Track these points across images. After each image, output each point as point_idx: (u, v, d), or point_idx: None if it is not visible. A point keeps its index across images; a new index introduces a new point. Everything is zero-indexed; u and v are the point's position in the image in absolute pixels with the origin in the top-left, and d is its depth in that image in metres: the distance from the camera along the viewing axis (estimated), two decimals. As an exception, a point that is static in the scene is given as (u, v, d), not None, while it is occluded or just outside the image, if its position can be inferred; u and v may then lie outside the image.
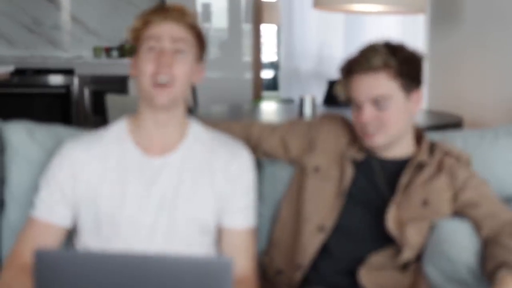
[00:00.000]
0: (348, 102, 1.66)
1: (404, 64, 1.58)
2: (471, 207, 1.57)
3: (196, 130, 1.60)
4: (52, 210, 1.53)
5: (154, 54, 1.49)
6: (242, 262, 1.54)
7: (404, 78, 1.58)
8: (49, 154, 1.70)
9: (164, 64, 1.48)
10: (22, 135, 1.77)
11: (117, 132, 1.58)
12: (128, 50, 1.61)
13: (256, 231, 1.61)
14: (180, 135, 1.58)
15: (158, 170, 1.53)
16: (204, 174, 1.55)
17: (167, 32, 1.50)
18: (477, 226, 1.56)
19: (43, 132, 1.78)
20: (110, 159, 1.54)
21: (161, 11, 1.53)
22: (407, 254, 1.56)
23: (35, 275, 1.03)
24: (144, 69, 1.50)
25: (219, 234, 1.58)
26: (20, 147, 1.76)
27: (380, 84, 1.57)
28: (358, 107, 1.60)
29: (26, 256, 1.48)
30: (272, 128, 1.78)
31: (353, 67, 1.60)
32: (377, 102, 1.57)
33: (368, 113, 1.58)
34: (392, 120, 1.58)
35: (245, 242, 1.57)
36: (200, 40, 1.56)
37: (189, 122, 1.61)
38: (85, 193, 1.53)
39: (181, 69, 1.50)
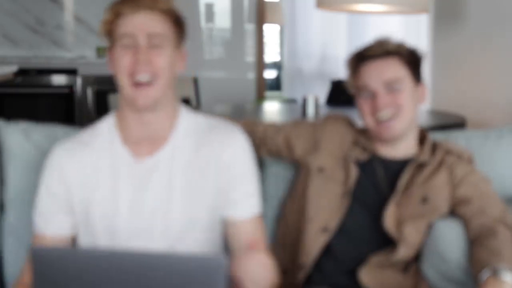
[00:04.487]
0: (356, 94, 1.66)
1: (412, 55, 1.64)
2: (463, 204, 1.57)
3: (186, 121, 1.51)
4: (50, 222, 1.48)
5: (129, 51, 1.41)
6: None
7: (413, 67, 1.63)
8: (45, 154, 1.69)
9: (141, 62, 1.39)
10: (18, 136, 1.75)
11: (106, 131, 1.51)
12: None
13: (262, 218, 1.52)
14: (169, 128, 1.49)
15: (149, 173, 1.46)
16: (196, 169, 1.46)
17: (140, 27, 1.40)
18: (466, 224, 1.56)
19: (39, 132, 1.77)
20: (100, 164, 1.47)
21: (132, 0, 1.42)
22: (403, 251, 1.56)
23: (34, 273, 1.05)
24: (121, 66, 1.41)
25: (225, 227, 1.50)
26: (15, 148, 1.75)
27: (393, 68, 1.61)
28: (371, 95, 1.61)
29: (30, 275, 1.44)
30: (276, 127, 1.79)
31: (367, 53, 1.63)
32: (390, 86, 1.60)
33: (383, 97, 1.59)
34: (405, 103, 1.60)
35: (251, 231, 1.47)
36: (178, 25, 1.46)
37: (178, 113, 1.51)
38: (78, 201, 1.47)
39: (161, 63, 1.41)
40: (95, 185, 1.46)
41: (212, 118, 1.55)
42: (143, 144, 1.48)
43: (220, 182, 1.47)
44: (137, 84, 1.41)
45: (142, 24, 1.41)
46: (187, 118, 1.52)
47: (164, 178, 1.46)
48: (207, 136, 1.49)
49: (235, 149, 1.48)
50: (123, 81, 1.42)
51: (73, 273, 1.03)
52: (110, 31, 1.44)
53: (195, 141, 1.49)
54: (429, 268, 1.57)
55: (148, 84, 1.41)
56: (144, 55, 1.40)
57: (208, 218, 1.47)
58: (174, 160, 1.47)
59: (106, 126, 1.52)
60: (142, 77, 1.40)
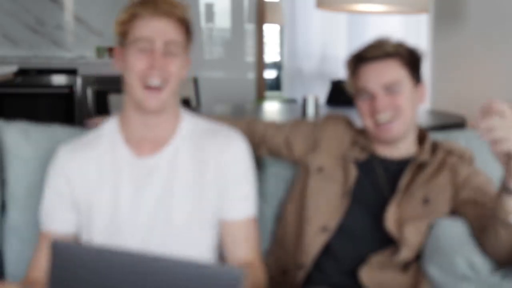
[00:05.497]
0: (356, 96, 1.66)
1: (411, 55, 1.63)
2: (471, 206, 1.57)
3: (188, 124, 1.55)
4: (55, 218, 1.52)
5: (145, 55, 1.44)
6: (242, 253, 1.48)
7: (412, 67, 1.62)
8: (45, 153, 1.69)
9: (156, 67, 1.43)
10: (17, 136, 1.76)
11: (109, 131, 1.54)
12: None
13: (257, 220, 1.54)
14: (172, 130, 1.52)
15: (151, 170, 1.49)
16: (196, 168, 1.49)
17: (159, 33, 1.43)
18: (471, 224, 1.54)
19: (39, 132, 1.77)
20: (103, 164, 1.51)
21: (151, 3, 1.45)
22: (405, 253, 1.56)
23: (51, 266, 1.07)
24: (133, 67, 1.44)
25: (219, 226, 1.51)
26: (15, 147, 1.75)
27: (392, 70, 1.60)
28: (370, 96, 1.61)
29: (37, 269, 1.48)
30: (277, 126, 1.79)
31: (366, 54, 1.62)
32: (389, 88, 1.59)
33: (382, 99, 1.59)
34: (405, 105, 1.60)
35: (245, 232, 1.50)
36: (188, 33, 1.50)
37: (181, 115, 1.55)
38: (82, 199, 1.50)
39: (173, 70, 1.45)
40: (98, 185, 1.50)
41: (212, 122, 1.58)
42: (145, 144, 1.51)
43: (219, 183, 1.49)
44: (148, 88, 1.44)
45: (160, 29, 1.43)
46: (188, 121, 1.55)
47: (165, 177, 1.48)
48: (207, 138, 1.52)
49: (234, 152, 1.51)
50: (134, 83, 1.45)
51: (91, 270, 1.04)
52: (124, 32, 1.46)
53: (196, 143, 1.52)
54: (433, 266, 1.56)
55: (158, 88, 1.44)
56: (160, 61, 1.43)
57: (208, 217, 1.49)
58: (175, 160, 1.49)
59: (109, 126, 1.55)
60: (154, 81, 1.43)
